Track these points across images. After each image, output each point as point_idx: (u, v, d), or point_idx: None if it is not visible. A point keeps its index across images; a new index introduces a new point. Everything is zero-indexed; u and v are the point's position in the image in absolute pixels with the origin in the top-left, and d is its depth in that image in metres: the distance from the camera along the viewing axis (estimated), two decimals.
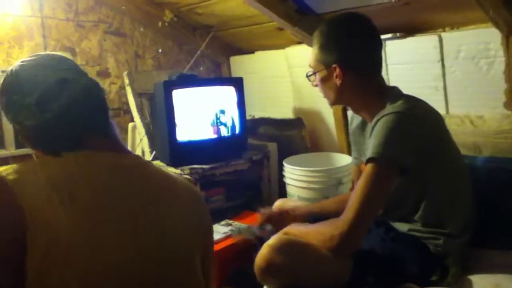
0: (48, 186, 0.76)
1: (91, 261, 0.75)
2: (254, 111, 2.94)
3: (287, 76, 2.77)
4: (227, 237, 1.97)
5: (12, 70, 0.89)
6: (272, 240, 1.23)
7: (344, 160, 2.35)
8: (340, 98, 1.41)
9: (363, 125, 1.50)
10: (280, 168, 2.43)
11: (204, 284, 0.94)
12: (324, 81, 1.39)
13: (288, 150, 2.55)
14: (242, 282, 1.82)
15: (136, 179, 0.87)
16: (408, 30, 2.01)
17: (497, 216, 1.43)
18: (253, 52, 3.02)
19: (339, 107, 2.42)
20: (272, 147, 2.57)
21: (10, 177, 0.75)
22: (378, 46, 1.39)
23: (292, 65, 2.69)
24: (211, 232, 1.02)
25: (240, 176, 2.53)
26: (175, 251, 0.87)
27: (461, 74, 1.85)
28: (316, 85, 1.44)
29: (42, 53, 0.95)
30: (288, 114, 2.81)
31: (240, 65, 3.13)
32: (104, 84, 2.74)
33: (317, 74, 1.40)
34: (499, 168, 1.56)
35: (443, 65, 1.89)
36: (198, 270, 0.91)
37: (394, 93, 1.35)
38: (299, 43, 2.53)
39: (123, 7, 2.71)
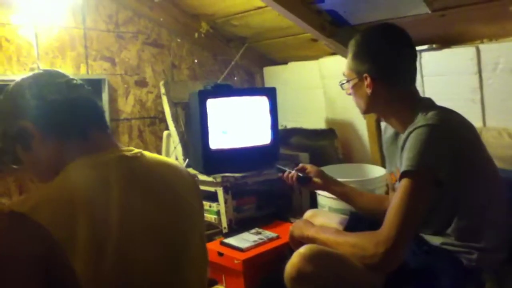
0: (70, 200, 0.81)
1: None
2: (287, 122, 2.95)
3: (320, 87, 2.77)
4: (257, 245, 1.98)
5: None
6: (303, 249, 1.24)
7: (377, 171, 2.33)
8: (370, 107, 1.42)
9: (396, 136, 1.49)
10: None
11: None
12: (356, 89, 1.40)
13: (320, 160, 2.54)
14: None
15: (140, 170, 0.95)
16: (444, 41, 1.99)
17: None
18: (286, 63, 3.05)
19: (373, 118, 2.41)
20: (304, 157, 2.58)
21: (26, 207, 0.78)
22: (412, 57, 1.38)
23: (325, 76, 2.70)
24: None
25: (271, 185, 2.54)
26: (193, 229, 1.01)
27: (499, 86, 1.82)
28: (349, 94, 1.45)
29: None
30: (321, 125, 2.81)
31: (273, 75, 3.16)
32: (141, 93, 2.82)
33: (350, 83, 1.41)
34: None
35: (480, 77, 1.86)
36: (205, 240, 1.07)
37: (427, 104, 1.34)
38: (333, 54, 2.54)
39: (161, 19, 2.79)
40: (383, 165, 2.23)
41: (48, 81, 0.97)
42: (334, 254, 1.23)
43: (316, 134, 2.72)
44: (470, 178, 1.25)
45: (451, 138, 1.22)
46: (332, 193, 1.72)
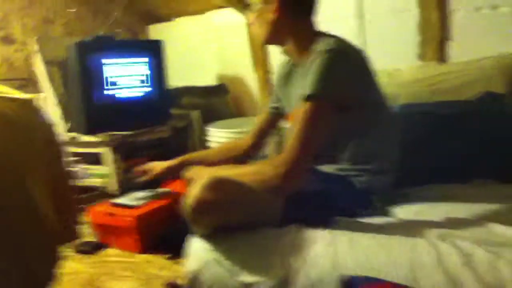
0: None
1: None
2: (178, 81, 2.84)
3: (210, 41, 2.72)
4: (150, 202, 1.88)
5: None
6: (203, 179, 1.19)
7: None
8: (273, 34, 1.40)
9: (289, 74, 1.49)
10: (205, 136, 2.39)
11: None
12: (261, 15, 1.38)
13: (212, 117, 2.51)
14: (168, 246, 1.76)
15: None
16: None
17: (419, 156, 1.52)
18: (171, 20, 2.93)
19: (262, 72, 2.43)
20: (195, 114, 2.52)
21: None
22: None
23: (215, 30, 2.65)
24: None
25: (163, 145, 2.44)
26: None
27: (379, 29, 1.93)
28: (252, 23, 1.43)
29: None
30: (212, 81, 2.77)
31: (159, 34, 3.01)
32: (9, 51, 2.50)
33: (256, 8, 1.39)
34: (416, 112, 1.66)
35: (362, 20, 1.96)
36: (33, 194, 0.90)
37: (326, 34, 1.37)
38: (221, 7, 2.48)
39: None
40: None
41: None
42: (235, 181, 1.20)
43: (207, 91, 2.67)
44: (367, 103, 1.31)
45: (352, 64, 1.27)
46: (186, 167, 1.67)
